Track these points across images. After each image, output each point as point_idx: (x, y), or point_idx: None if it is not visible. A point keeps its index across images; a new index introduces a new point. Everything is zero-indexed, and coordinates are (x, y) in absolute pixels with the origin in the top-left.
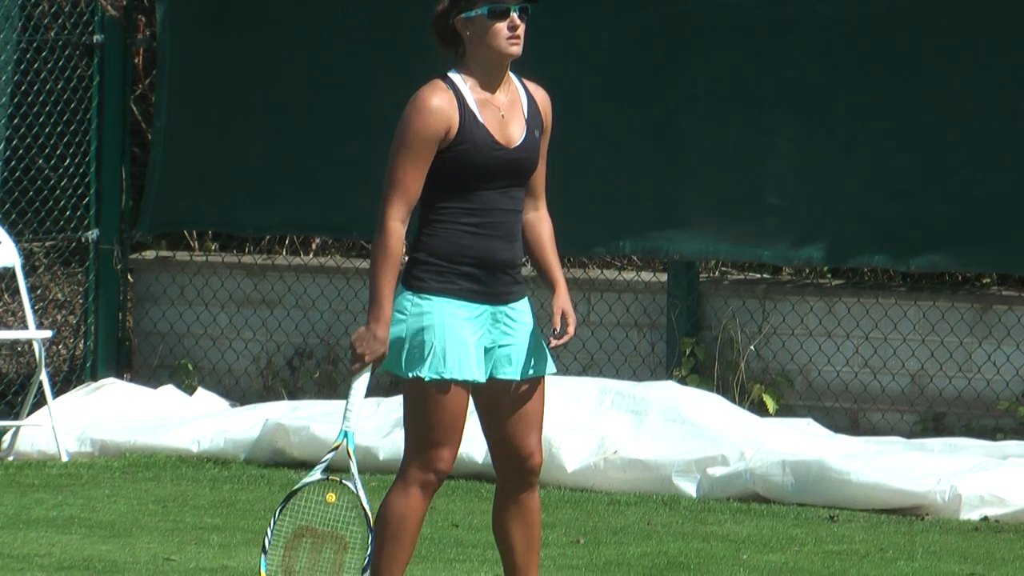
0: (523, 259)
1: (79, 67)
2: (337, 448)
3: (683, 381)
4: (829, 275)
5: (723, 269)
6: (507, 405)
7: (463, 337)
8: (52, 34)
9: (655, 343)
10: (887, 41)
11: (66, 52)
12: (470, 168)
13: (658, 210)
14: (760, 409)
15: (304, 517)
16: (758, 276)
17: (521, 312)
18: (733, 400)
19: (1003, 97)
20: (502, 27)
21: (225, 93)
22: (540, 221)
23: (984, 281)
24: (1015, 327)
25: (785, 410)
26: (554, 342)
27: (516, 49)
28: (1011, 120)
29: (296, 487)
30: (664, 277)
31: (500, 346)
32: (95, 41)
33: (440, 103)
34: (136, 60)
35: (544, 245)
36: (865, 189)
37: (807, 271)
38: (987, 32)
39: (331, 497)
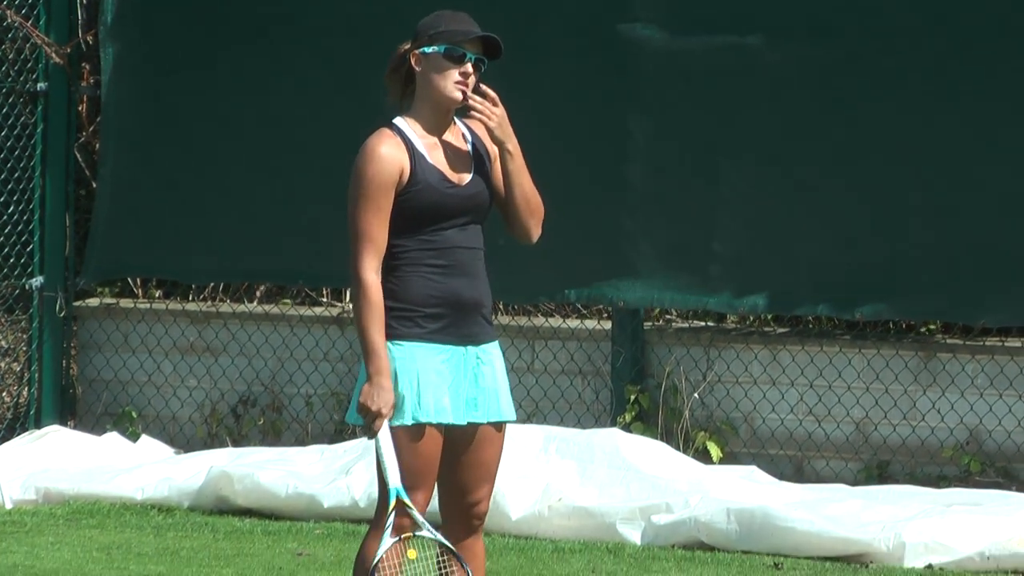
0: (490, 300)
1: (23, 114)
2: (395, 508)
3: (627, 429)
4: (773, 323)
5: (667, 317)
6: (467, 449)
7: (437, 380)
8: None
9: (599, 391)
10: (835, 89)
11: (10, 99)
12: (426, 208)
13: (603, 258)
14: (704, 457)
15: None
16: (703, 324)
17: (490, 356)
18: (677, 448)
19: (952, 145)
20: (453, 71)
21: (169, 140)
22: None
23: (928, 329)
24: (959, 375)
25: (729, 458)
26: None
27: (459, 95)
28: (959, 169)
29: (375, 560)
30: (608, 325)
31: (469, 389)
32: (39, 89)
33: (389, 149)
34: (80, 108)
35: None
36: (810, 237)
37: (751, 319)
38: (937, 81)
39: (412, 554)
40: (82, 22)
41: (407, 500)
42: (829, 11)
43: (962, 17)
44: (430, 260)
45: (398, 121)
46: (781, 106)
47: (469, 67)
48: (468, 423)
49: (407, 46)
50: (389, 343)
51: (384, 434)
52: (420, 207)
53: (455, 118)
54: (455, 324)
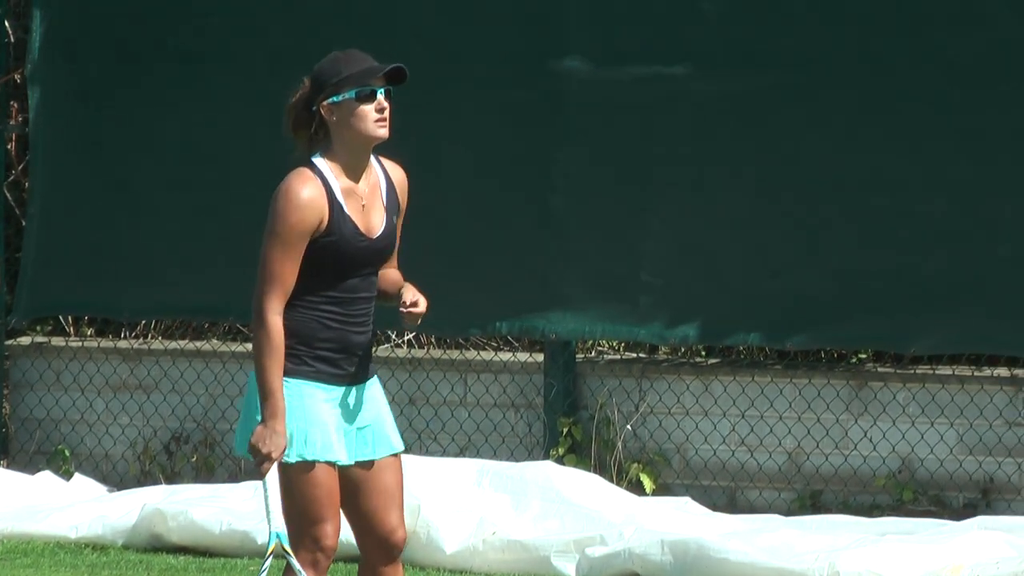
0: (374, 339)
1: None
2: (273, 552)
3: (561, 461)
4: (705, 354)
5: (599, 348)
6: (365, 484)
7: (323, 418)
8: None
9: (532, 423)
10: (764, 118)
11: None
12: (336, 260)
13: (534, 290)
14: (638, 488)
15: None
16: (634, 355)
17: (374, 390)
18: (611, 479)
19: (880, 173)
20: (369, 110)
21: (98, 177)
22: (391, 269)
23: (859, 358)
24: (890, 404)
25: (663, 489)
26: (408, 309)
27: (384, 132)
28: (889, 196)
29: None
30: (540, 357)
31: (358, 428)
32: None
33: (312, 194)
34: (9, 146)
35: (392, 275)
36: (739, 267)
37: (683, 350)
38: (867, 108)
39: None
40: (9, 60)
41: (287, 546)
42: (755, 41)
43: (890, 46)
44: (328, 306)
45: (318, 162)
46: (708, 136)
47: (383, 100)
48: (358, 461)
49: (301, 95)
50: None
51: (272, 478)
52: (330, 258)
53: (371, 155)
54: (343, 366)
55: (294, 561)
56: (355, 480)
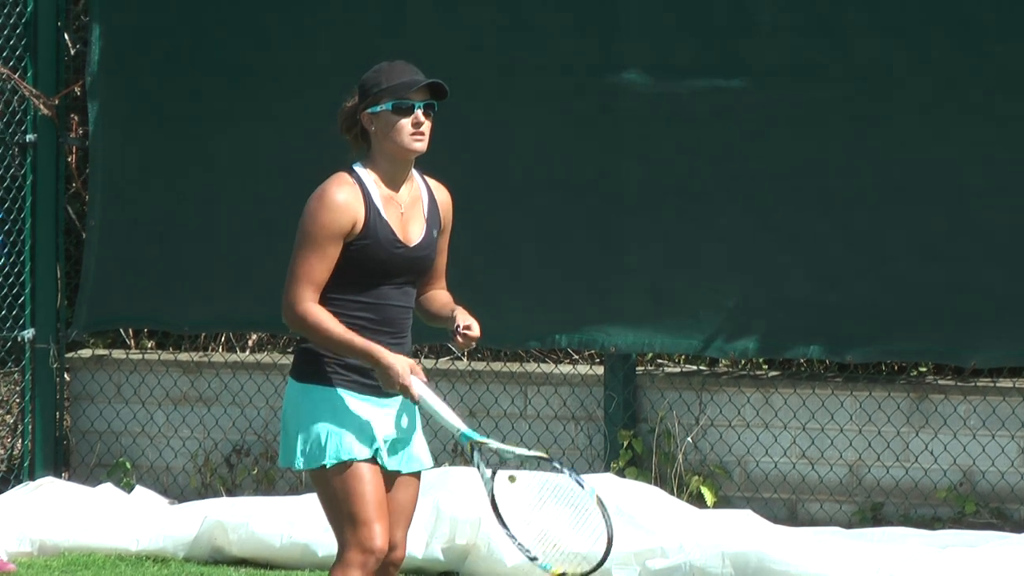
0: (410, 354)
1: (12, 166)
2: (476, 447)
3: (621, 474)
4: (765, 366)
5: (659, 361)
6: (385, 492)
7: (357, 419)
8: None
9: (592, 436)
10: (821, 130)
11: None
12: (370, 264)
13: (593, 303)
14: (698, 501)
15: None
16: (694, 368)
17: (406, 405)
18: (671, 492)
19: (939, 185)
20: (406, 123)
21: (157, 190)
22: (440, 290)
23: (920, 370)
24: (951, 416)
25: (723, 502)
26: (462, 332)
27: (420, 145)
28: (947, 209)
29: (490, 500)
30: (600, 370)
31: (395, 440)
32: (28, 140)
33: (347, 198)
34: (70, 159)
35: (442, 296)
36: (800, 279)
37: (743, 362)
38: (924, 122)
39: (512, 479)
40: (69, 73)
41: (478, 437)
42: (812, 53)
43: (949, 57)
44: (361, 312)
45: (358, 168)
46: (768, 148)
47: (420, 115)
48: (392, 470)
49: (352, 103)
50: (307, 386)
51: (426, 394)
52: (364, 261)
53: (415, 171)
54: (372, 376)
55: (491, 441)
56: None
